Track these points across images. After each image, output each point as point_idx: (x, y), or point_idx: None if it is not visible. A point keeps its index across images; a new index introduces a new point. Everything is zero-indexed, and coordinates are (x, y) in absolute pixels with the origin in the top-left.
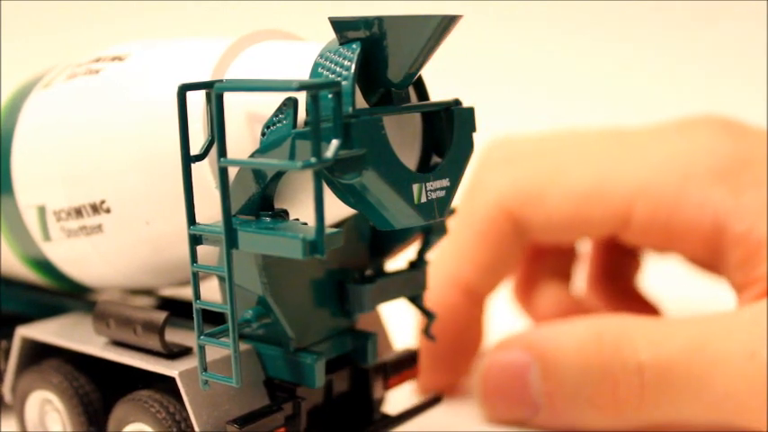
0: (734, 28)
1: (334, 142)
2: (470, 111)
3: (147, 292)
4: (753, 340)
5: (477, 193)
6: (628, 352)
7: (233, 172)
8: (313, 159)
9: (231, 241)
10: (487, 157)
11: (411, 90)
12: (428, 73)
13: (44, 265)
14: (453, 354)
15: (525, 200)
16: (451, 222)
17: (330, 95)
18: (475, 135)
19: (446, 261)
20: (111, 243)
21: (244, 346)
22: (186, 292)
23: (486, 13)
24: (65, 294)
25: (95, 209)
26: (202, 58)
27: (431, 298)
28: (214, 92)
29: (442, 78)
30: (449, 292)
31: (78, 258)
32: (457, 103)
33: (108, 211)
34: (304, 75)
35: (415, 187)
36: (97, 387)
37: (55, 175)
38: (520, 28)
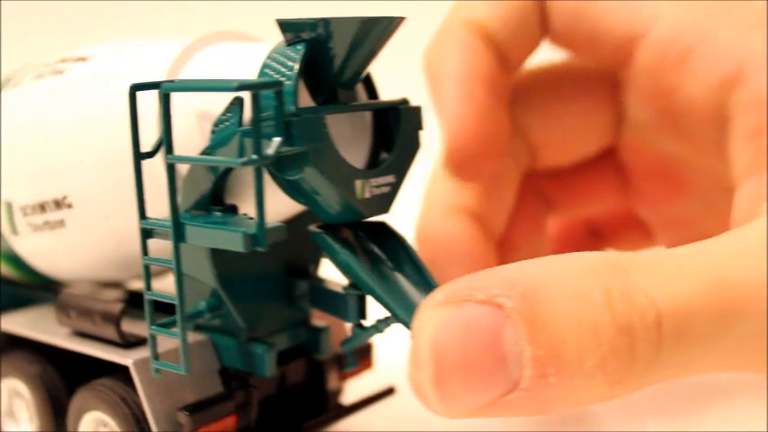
0: None
1: (276, 140)
2: (417, 110)
3: (116, 284)
4: None
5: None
6: (642, 300)
7: (186, 169)
8: (254, 156)
9: (178, 235)
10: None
11: (361, 89)
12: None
13: (14, 260)
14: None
15: None
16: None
17: (273, 95)
18: (422, 133)
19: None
20: (74, 237)
21: (199, 337)
22: (155, 285)
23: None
24: (36, 287)
25: (58, 204)
26: (160, 60)
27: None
28: (161, 91)
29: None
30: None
31: (44, 252)
32: (404, 102)
33: (70, 206)
34: (254, 75)
35: (358, 183)
36: (62, 376)
37: (21, 171)
38: None
